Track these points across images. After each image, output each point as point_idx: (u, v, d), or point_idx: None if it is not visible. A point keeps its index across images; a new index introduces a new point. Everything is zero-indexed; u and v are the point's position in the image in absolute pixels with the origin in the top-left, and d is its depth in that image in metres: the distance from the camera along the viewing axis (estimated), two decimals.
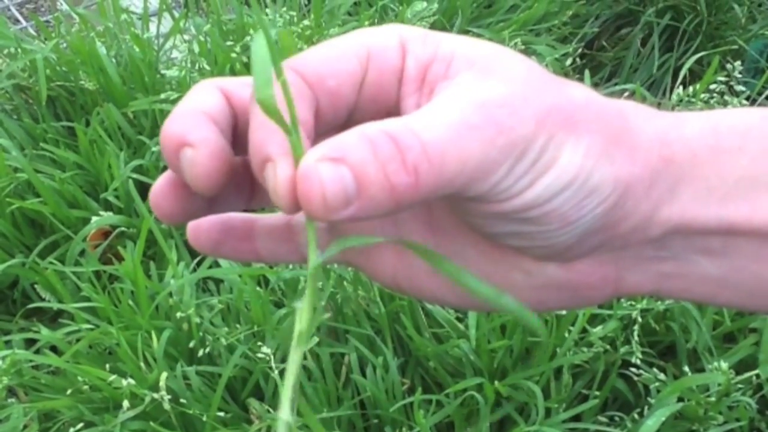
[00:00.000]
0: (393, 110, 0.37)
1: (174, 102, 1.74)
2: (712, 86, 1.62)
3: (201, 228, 0.42)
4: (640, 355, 1.28)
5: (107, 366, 1.35)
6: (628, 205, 0.35)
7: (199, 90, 0.37)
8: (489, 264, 0.40)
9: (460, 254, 0.40)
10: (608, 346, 1.32)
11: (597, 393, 1.30)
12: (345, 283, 1.35)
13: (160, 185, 0.38)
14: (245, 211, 0.43)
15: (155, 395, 1.25)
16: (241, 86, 0.38)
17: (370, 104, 0.36)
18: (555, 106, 0.34)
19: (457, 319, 1.35)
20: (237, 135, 0.38)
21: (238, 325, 1.39)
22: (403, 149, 0.31)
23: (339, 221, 0.32)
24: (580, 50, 2.15)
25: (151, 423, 1.26)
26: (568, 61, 1.99)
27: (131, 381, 1.27)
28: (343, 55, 0.35)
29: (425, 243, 0.41)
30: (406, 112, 0.36)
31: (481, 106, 0.33)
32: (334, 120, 0.36)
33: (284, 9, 1.95)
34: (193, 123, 0.35)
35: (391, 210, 0.32)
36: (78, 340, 1.42)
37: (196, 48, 1.94)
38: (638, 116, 0.36)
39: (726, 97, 1.62)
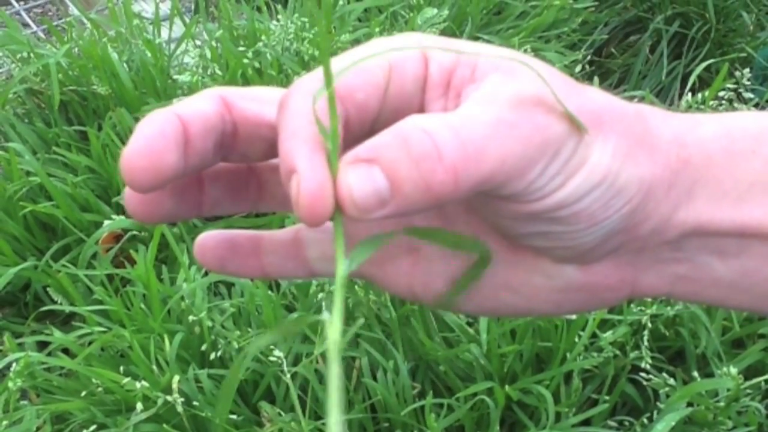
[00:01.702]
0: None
1: None
2: (721, 93, 1.63)
3: (207, 246, 0.42)
4: (650, 360, 1.29)
5: (120, 368, 1.35)
6: (649, 206, 0.36)
7: (199, 95, 0.38)
8: (508, 267, 0.40)
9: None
10: (618, 351, 1.32)
11: (607, 398, 1.30)
12: (356, 287, 1.35)
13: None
14: (256, 220, 0.43)
15: (168, 398, 1.26)
16: (245, 98, 0.38)
17: (392, 114, 0.36)
18: (582, 106, 0.35)
19: (468, 323, 1.36)
20: (239, 142, 0.38)
21: (249, 329, 1.40)
22: (441, 146, 0.32)
23: (378, 219, 0.32)
24: (589, 57, 2.16)
25: (164, 425, 1.27)
26: (578, 68, 2.00)
27: (144, 383, 1.28)
28: (368, 67, 0.36)
29: (441, 251, 0.41)
30: None
31: (518, 105, 0.33)
32: (359, 131, 0.36)
33: (295, 15, 1.96)
34: (150, 121, 0.35)
35: (429, 207, 0.32)
36: (90, 343, 1.43)
37: (207, 53, 1.95)
38: (655, 117, 0.37)
39: (735, 105, 1.62)
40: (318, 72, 0.36)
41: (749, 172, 0.36)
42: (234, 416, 1.29)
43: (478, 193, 0.33)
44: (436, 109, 0.36)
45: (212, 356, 1.36)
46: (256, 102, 0.38)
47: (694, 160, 0.36)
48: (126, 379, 1.29)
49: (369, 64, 0.36)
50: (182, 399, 1.26)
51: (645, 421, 1.27)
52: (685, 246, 0.38)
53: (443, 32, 2.03)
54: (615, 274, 0.39)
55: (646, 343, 1.29)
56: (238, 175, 0.42)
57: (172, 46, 2.09)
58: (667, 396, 1.27)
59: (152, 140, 0.34)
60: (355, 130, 0.36)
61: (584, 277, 0.39)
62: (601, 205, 0.35)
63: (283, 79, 1.87)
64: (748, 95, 1.64)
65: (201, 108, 0.36)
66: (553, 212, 0.35)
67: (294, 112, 0.34)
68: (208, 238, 0.42)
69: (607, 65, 2.36)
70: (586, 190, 0.34)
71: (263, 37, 1.94)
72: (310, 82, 0.35)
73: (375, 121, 0.36)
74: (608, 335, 1.31)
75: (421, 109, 0.37)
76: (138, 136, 0.34)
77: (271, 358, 1.28)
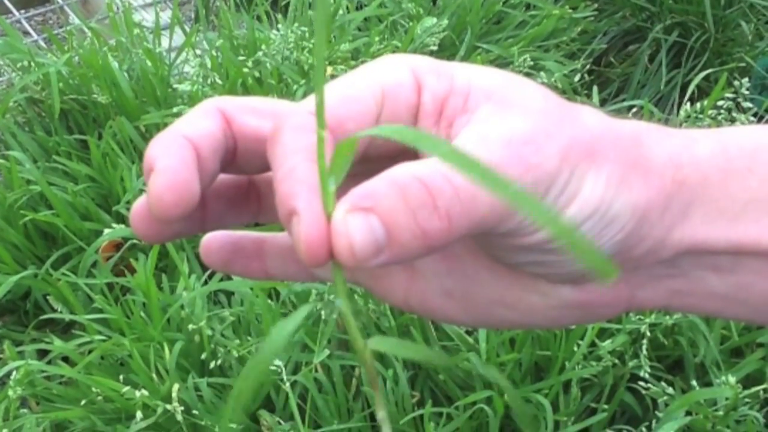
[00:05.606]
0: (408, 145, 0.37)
1: None
2: (720, 102, 1.63)
3: (212, 247, 0.42)
4: (649, 369, 1.29)
5: (120, 377, 1.36)
6: (643, 230, 0.36)
7: (199, 111, 0.38)
8: (504, 287, 0.40)
9: (473, 277, 0.40)
10: (617, 360, 1.32)
11: (605, 406, 1.30)
12: (356, 296, 1.36)
13: (140, 205, 0.38)
14: (256, 225, 0.43)
15: (168, 406, 1.26)
16: (244, 111, 0.38)
17: (385, 141, 0.36)
18: (575, 137, 0.35)
19: (467, 332, 1.36)
20: (237, 157, 0.38)
21: (249, 338, 1.40)
22: (436, 194, 0.32)
23: (371, 268, 0.32)
24: (588, 66, 2.16)
25: None
26: (577, 77, 2.00)
27: (144, 392, 1.28)
28: (359, 96, 0.35)
29: (437, 269, 0.41)
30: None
31: (507, 145, 0.33)
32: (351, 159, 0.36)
33: (295, 25, 1.96)
34: (167, 149, 0.35)
35: (423, 254, 0.32)
36: (90, 352, 1.43)
37: (207, 62, 1.96)
38: (651, 139, 0.37)
39: (733, 114, 1.63)
40: (306, 103, 0.36)
41: (745, 190, 0.36)
42: (233, 425, 1.30)
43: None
44: None
45: (212, 365, 1.36)
46: (254, 115, 0.38)
47: (690, 181, 0.36)
48: (126, 388, 1.29)
49: (360, 91, 0.36)
50: (182, 407, 1.26)
51: (644, 430, 1.27)
52: (679, 263, 0.38)
53: (443, 41, 2.04)
54: (610, 291, 0.39)
55: (644, 352, 1.29)
56: (238, 188, 0.42)
57: (173, 55, 2.09)
58: (666, 405, 1.27)
59: (178, 173, 0.35)
60: None
61: (580, 296, 0.39)
62: (594, 234, 0.35)
63: (283, 88, 1.88)
64: (747, 104, 1.65)
65: (207, 128, 0.37)
66: (545, 244, 0.35)
67: (287, 149, 0.34)
68: (213, 239, 0.43)
69: (606, 74, 2.37)
70: (578, 221, 0.34)
71: (263, 47, 1.95)
72: (299, 115, 0.35)
73: (367, 148, 0.37)
74: (607, 344, 1.31)
75: None
76: (163, 170, 0.35)
77: (271, 367, 1.28)
